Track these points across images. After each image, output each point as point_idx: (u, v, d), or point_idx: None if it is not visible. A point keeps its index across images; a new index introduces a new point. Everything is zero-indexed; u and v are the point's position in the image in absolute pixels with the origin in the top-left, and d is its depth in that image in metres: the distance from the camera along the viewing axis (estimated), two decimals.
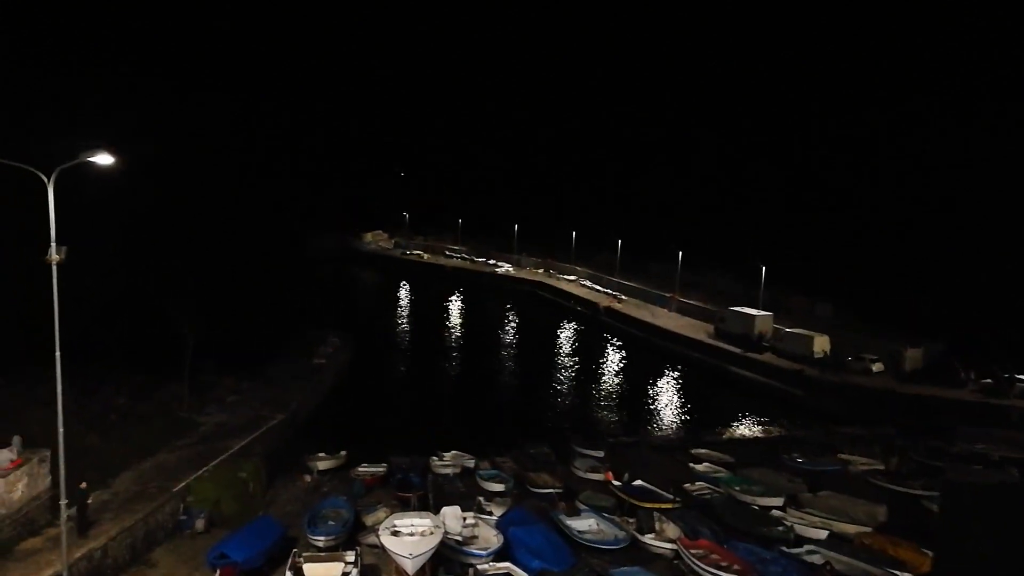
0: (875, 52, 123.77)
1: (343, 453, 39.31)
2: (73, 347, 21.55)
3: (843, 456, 40.02)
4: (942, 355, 58.64)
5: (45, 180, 19.09)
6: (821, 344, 59.86)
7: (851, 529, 27.34)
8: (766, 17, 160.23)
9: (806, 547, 25.59)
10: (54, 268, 19.39)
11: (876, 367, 57.25)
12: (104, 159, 19.49)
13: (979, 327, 59.45)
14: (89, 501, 25.49)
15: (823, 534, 27.24)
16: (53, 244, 19.31)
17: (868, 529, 27.13)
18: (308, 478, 36.39)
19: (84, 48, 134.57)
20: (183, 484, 29.89)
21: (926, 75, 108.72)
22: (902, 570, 22.48)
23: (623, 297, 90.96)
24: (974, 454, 39.88)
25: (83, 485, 24.82)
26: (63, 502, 20.68)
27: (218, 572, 23.01)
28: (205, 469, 31.76)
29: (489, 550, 24.22)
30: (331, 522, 27.97)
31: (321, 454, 38.74)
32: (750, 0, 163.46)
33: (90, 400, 41.90)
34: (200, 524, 28.44)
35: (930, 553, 23.34)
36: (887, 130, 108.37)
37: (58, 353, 19.40)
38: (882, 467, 38.02)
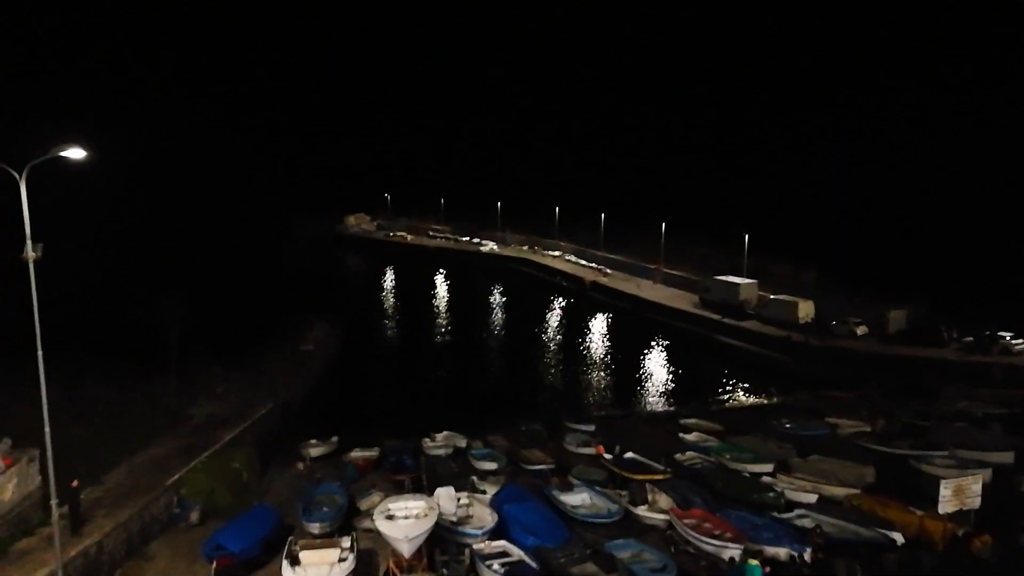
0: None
1: (335, 439, 39.29)
2: (57, 342, 21.30)
3: (830, 420, 40.45)
4: (925, 316, 59.31)
5: (17, 176, 18.75)
6: (806, 310, 60.31)
7: (840, 492, 27.74)
8: None
9: (797, 512, 25.93)
10: (31, 266, 19.09)
11: (860, 330, 57.83)
12: (76, 153, 19.13)
13: (960, 288, 60.05)
14: (81, 497, 25.42)
15: (813, 498, 27.63)
16: (28, 241, 18.99)
17: (857, 491, 27.51)
18: (301, 465, 36.42)
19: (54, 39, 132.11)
20: (176, 477, 29.79)
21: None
22: (891, 529, 22.86)
23: (608, 271, 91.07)
24: (958, 412, 40.50)
25: (74, 483, 24.70)
26: (53, 501, 20.56)
27: (215, 563, 23.03)
28: (198, 460, 31.65)
29: (484, 529, 24.38)
30: (325, 508, 28.06)
31: (313, 441, 38.67)
32: None
33: (77, 395, 41.66)
34: (195, 516, 28.41)
35: (918, 512, 23.78)
36: (864, 98, 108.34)
37: (40, 352, 19.15)
38: (869, 429, 38.50)
